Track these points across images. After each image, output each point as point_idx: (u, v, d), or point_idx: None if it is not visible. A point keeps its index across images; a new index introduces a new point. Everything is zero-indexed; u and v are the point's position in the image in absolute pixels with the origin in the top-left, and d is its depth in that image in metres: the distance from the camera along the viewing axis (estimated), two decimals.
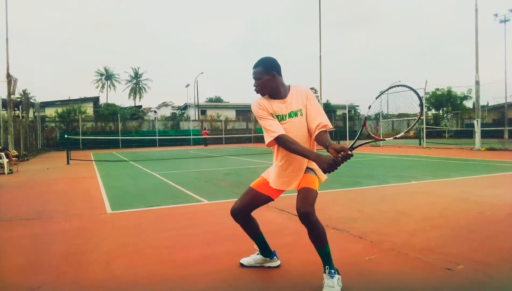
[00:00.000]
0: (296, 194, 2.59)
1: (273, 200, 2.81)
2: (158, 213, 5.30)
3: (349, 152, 2.26)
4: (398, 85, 2.62)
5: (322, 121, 2.54)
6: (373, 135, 2.46)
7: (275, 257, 2.98)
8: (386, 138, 2.60)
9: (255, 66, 2.58)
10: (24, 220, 4.95)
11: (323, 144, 2.44)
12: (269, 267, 2.96)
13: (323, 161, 2.28)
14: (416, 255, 3.17)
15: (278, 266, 2.97)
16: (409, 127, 2.58)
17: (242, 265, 3.01)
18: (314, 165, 2.65)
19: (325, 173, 2.34)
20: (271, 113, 2.55)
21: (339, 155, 2.26)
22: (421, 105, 2.61)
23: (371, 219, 4.55)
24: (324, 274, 2.53)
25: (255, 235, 2.89)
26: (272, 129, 2.48)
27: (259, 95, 2.63)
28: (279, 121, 2.55)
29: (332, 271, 2.51)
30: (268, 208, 5.01)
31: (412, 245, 3.42)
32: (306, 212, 2.43)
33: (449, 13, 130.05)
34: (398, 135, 2.59)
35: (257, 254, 3.00)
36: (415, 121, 2.56)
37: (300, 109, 2.58)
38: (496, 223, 4.25)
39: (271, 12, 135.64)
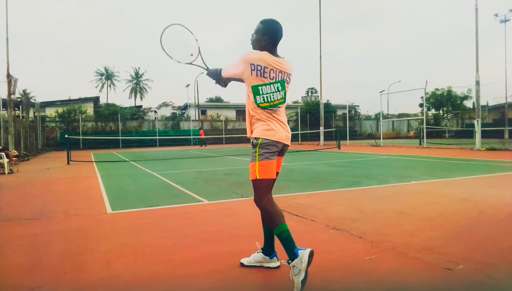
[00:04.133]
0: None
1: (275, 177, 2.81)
2: (158, 213, 5.30)
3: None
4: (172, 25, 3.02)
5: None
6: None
7: (275, 257, 2.98)
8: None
9: (260, 21, 2.74)
10: (24, 220, 4.95)
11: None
12: (269, 267, 2.96)
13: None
14: (416, 255, 3.17)
15: (277, 267, 2.96)
16: None
17: (242, 264, 3.01)
18: (254, 134, 2.72)
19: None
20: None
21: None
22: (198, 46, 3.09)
23: (371, 219, 4.54)
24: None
25: (267, 223, 2.87)
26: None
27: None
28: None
29: (289, 261, 2.54)
30: None
31: (412, 245, 3.42)
32: (254, 199, 2.74)
33: (449, 13, 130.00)
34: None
35: (258, 252, 3.00)
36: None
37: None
38: (496, 223, 4.25)
39: (271, 12, 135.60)
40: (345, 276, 2.79)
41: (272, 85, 2.64)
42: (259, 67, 2.59)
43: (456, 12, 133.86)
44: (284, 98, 2.73)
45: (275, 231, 2.64)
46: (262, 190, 2.66)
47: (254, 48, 2.74)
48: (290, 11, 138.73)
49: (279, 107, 2.71)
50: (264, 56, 2.61)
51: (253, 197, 2.79)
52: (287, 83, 2.74)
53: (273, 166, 2.68)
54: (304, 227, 4.21)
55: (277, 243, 3.20)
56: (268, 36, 2.66)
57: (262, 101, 2.65)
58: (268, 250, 2.96)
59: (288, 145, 2.79)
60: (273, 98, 2.66)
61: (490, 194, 6.06)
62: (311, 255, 2.45)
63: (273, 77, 2.63)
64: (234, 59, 2.73)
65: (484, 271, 2.80)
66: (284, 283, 2.70)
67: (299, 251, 2.47)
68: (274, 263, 2.97)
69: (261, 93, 2.64)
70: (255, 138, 2.67)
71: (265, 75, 2.61)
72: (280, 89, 2.67)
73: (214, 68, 3.00)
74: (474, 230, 3.98)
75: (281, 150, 2.77)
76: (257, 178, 2.64)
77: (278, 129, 2.67)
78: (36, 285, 2.74)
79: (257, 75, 2.61)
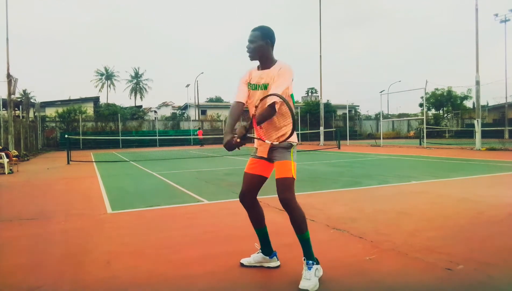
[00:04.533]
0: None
1: (267, 178, 2.86)
2: (158, 213, 5.30)
3: (238, 140, 2.44)
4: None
5: (270, 93, 2.51)
6: (257, 134, 2.60)
7: (275, 257, 2.99)
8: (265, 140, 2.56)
9: (254, 30, 2.71)
10: (24, 220, 4.95)
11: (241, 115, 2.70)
12: (269, 267, 2.96)
13: (225, 138, 2.48)
14: (416, 255, 3.17)
15: (277, 267, 2.97)
16: None
17: (242, 265, 3.01)
18: (291, 138, 2.65)
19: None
20: (249, 82, 2.73)
21: (234, 139, 2.46)
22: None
23: (371, 219, 4.54)
24: (303, 265, 2.62)
25: (258, 225, 2.92)
26: (235, 95, 2.71)
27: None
28: (251, 89, 2.72)
29: (310, 262, 2.59)
30: (268, 207, 5.01)
31: (412, 245, 3.42)
32: (283, 197, 2.61)
33: (449, 13, 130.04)
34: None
35: (258, 253, 3.00)
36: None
37: (267, 84, 2.67)
38: (496, 223, 4.25)
39: (271, 12, 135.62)
40: (345, 276, 2.79)
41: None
42: (292, 79, 2.70)
43: (456, 12, 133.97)
44: None
45: (305, 235, 2.63)
46: (293, 187, 2.65)
47: (256, 55, 2.69)
48: (290, 11, 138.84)
49: None
50: (292, 72, 2.70)
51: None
52: None
53: None
54: None
55: (277, 243, 3.21)
56: (270, 39, 2.69)
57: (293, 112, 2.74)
58: (267, 250, 2.96)
59: None
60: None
61: (490, 194, 6.06)
62: None
63: None
64: (283, 79, 2.60)
65: (484, 271, 2.80)
66: (284, 283, 2.70)
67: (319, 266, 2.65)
68: (274, 263, 2.98)
69: (294, 102, 2.79)
70: (293, 141, 2.72)
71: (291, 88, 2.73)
72: None
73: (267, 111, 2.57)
74: (474, 230, 3.98)
75: None
76: (293, 176, 2.64)
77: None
78: (36, 285, 2.74)
79: (291, 85, 2.72)
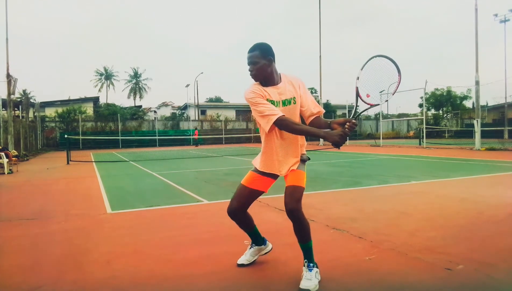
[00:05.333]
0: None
1: (265, 192, 2.84)
2: (158, 213, 5.30)
3: (354, 121, 2.35)
4: (376, 56, 2.57)
5: (318, 108, 2.69)
6: (367, 102, 2.56)
7: (266, 241, 3.08)
8: (377, 103, 2.58)
9: (252, 50, 2.58)
10: (24, 220, 4.94)
11: (323, 124, 2.58)
12: (266, 253, 3.06)
13: (333, 135, 2.32)
14: (416, 255, 3.17)
15: (271, 249, 3.10)
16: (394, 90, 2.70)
17: (242, 265, 3.01)
18: (304, 150, 2.76)
19: (337, 147, 2.36)
20: (268, 99, 2.59)
21: (346, 126, 2.35)
22: (398, 70, 2.63)
23: (371, 219, 4.54)
24: (303, 267, 2.61)
25: (251, 229, 2.94)
26: (271, 113, 2.48)
27: (252, 81, 2.68)
28: (278, 107, 2.61)
29: (311, 264, 2.60)
30: (268, 208, 5.01)
31: (412, 245, 3.42)
32: (292, 208, 2.52)
33: (449, 13, 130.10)
34: (387, 99, 2.84)
35: (251, 247, 3.04)
36: (396, 85, 2.67)
37: (294, 97, 2.65)
38: (496, 223, 4.25)
39: (271, 12, 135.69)
40: (345, 276, 2.79)
41: None
42: None
43: (456, 12, 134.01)
44: None
45: (308, 244, 2.63)
46: (301, 200, 2.61)
47: (261, 74, 2.58)
48: (290, 11, 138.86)
49: None
50: None
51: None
52: None
53: None
54: None
55: (277, 243, 3.21)
56: (272, 56, 2.60)
57: None
58: (259, 240, 3.02)
59: None
60: None
61: (490, 194, 6.06)
62: None
63: None
64: (310, 96, 2.75)
65: (484, 271, 2.81)
66: (284, 283, 2.70)
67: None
68: (268, 247, 3.09)
69: None
70: (306, 155, 2.78)
71: None
72: None
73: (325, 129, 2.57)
74: (474, 230, 3.98)
75: None
76: (304, 186, 2.62)
77: None
78: (36, 285, 2.73)
79: None
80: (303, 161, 2.71)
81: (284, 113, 2.51)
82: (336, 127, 2.42)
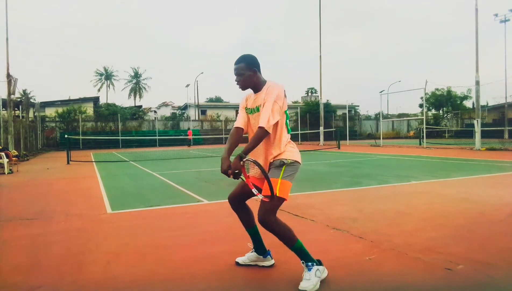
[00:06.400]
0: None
1: (261, 189, 2.75)
2: (158, 213, 5.30)
3: (231, 177, 2.54)
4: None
5: (261, 122, 2.59)
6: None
7: (269, 256, 2.99)
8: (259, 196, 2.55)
9: (237, 62, 2.73)
10: (24, 220, 4.95)
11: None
12: (263, 266, 2.97)
13: (223, 163, 2.57)
14: (416, 255, 3.17)
15: (271, 266, 2.97)
16: None
17: (237, 263, 3.03)
18: (283, 155, 2.69)
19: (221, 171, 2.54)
20: (246, 107, 2.81)
21: (229, 171, 2.54)
22: None
23: (371, 219, 4.54)
24: (303, 266, 2.63)
25: (248, 226, 2.93)
26: (236, 121, 2.82)
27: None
28: (249, 114, 2.78)
29: (309, 264, 2.60)
30: None
31: (412, 245, 3.42)
32: (260, 219, 2.59)
33: (449, 13, 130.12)
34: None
35: (251, 252, 3.02)
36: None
37: (259, 106, 2.71)
38: (496, 223, 4.25)
39: (272, 12, 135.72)
40: (345, 276, 2.79)
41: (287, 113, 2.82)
42: (285, 98, 2.72)
43: (456, 12, 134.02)
44: None
45: (295, 246, 2.64)
46: (275, 209, 2.59)
47: (247, 85, 2.73)
48: (290, 11, 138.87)
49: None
50: (283, 88, 2.73)
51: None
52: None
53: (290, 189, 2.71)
54: (304, 227, 4.21)
55: (277, 243, 3.21)
56: (256, 67, 2.71)
57: (288, 128, 2.79)
58: (260, 250, 2.97)
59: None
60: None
61: (490, 194, 6.06)
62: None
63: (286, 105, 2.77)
64: (268, 96, 2.63)
65: (484, 271, 2.80)
66: (284, 283, 2.70)
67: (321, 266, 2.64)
68: (268, 262, 2.99)
69: (288, 119, 2.82)
70: (285, 159, 2.68)
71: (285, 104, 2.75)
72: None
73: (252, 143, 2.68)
74: (474, 230, 3.98)
75: None
76: (277, 194, 2.53)
77: (298, 152, 2.79)
78: (36, 285, 2.74)
79: (284, 103, 2.72)
80: (277, 166, 2.66)
81: (253, 119, 2.74)
82: (233, 163, 2.55)
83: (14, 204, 6.42)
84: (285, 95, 2.70)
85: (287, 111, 2.78)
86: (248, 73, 2.69)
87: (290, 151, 2.70)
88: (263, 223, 2.57)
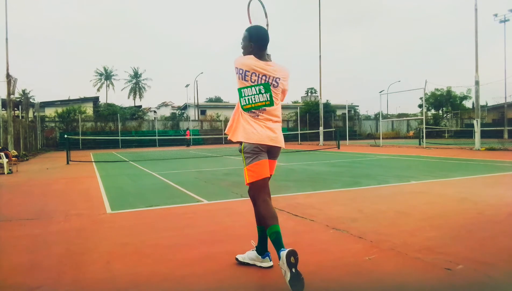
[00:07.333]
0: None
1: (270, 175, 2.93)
2: (158, 213, 5.30)
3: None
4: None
5: None
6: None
7: (267, 257, 2.98)
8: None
9: (246, 29, 2.88)
10: (24, 220, 4.94)
11: None
12: (261, 267, 2.96)
13: None
14: (416, 255, 3.17)
15: (270, 267, 2.96)
16: None
17: (237, 260, 3.05)
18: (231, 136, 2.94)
19: None
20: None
21: None
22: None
23: (371, 219, 4.55)
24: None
25: (260, 223, 2.91)
26: None
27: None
28: None
29: (258, 251, 2.94)
30: None
31: (412, 245, 3.42)
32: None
33: (449, 13, 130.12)
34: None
35: (252, 250, 3.02)
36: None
37: None
38: (495, 223, 4.25)
39: (271, 12, 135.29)
40: (345, 276, 2.79)
41: (253, 88, 2.75)
42: (241, 71, 2.75)
43: (456, 12, 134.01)
44: (270, 100, 2.77)
45: (267, 231, 2.71)
46: (255, 191, 2.79)
47: (244, 54, 2.87)
48: (289, 11, 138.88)
49: (264, 109, 2.77)
50: (246, 61, 2.76)
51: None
52: (274, 87, 2.78)
53: (262, 166, 2.76)
54: (304, 227, 4.21)
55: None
56: (254, 42, 2.79)
57: (245, 104, 2.79)
58: (261, 249, 2.97)
59: (277, 146, 2.84)
60: (255, 100, 2.76)
61: (490, 194, 6.06)
62: (290, 254, 2.41)
63: (255, 80, 2.74)
64: None
65: (484, 271, 2.80)
66: (283, 283, 2.69)
67: (281, 252, 2.48)
68: (266, 263, 2.98)
69: (243, 95, 2.79)
70: (240, 142, 2.83)
71: (246, 78, 2.75)
72: (262, 92, 2.75)
73: None
74: (474, 230, 3.98)
75: (271, 152, 2.85)
76: (248, 182, 2.80)
77: (258, 130, 2.75)
78: (36, 285, 2.73)
79: (239, 78, 2.77)
80: (239, 150, 2.87)
81: None
82: None
83: (14, 204, 6.42)
84: (250, 72, 2.75)
85: (242, 90, 2.80)
86: (244, 43, 2.88)
87: (240, 130, 2.83)
88: (252, 200, 2.86)
